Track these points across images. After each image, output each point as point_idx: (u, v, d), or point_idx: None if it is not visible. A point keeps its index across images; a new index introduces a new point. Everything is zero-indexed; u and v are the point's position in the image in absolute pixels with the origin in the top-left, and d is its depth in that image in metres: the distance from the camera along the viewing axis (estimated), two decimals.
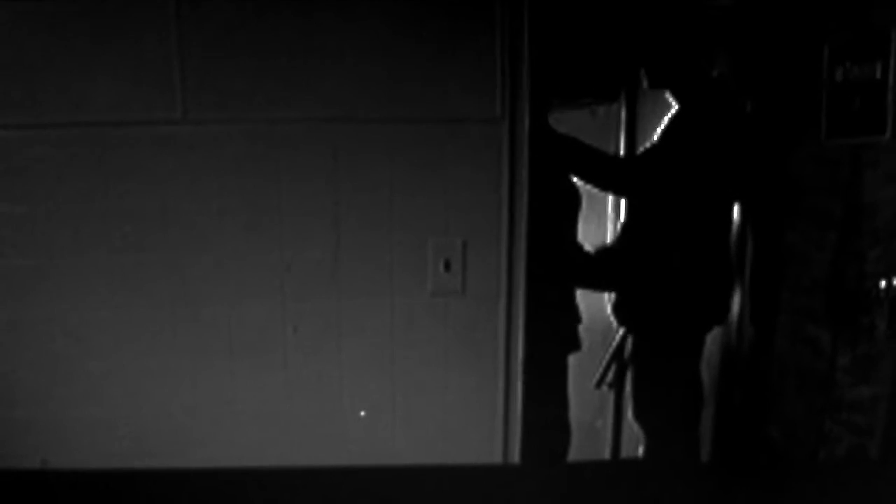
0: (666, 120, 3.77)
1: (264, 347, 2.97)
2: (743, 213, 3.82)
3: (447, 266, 2.91)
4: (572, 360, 3.85)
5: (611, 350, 4.27)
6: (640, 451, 4.07)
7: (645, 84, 3.88)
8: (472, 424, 3.06)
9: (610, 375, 4.37)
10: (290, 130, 2.82)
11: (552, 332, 3.66)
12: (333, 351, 2.98)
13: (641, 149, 4.04)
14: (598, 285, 4.08)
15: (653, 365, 3.94)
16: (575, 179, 3.74)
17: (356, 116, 2.82)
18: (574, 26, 3.69)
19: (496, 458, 3.07)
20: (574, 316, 3.86)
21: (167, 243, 2.88)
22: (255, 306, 2.94)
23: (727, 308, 3.92)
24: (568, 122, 3.86)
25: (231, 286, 2.92)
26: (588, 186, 3.83)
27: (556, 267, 3.61)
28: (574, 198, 3.76)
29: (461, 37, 2.78)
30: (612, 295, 4.00)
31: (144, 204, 2.84)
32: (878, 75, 2.91)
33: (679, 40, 3.69)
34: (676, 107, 3.76)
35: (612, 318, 4.07)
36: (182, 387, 2.98)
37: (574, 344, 3.86)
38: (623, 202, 4.24)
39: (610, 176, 3.87)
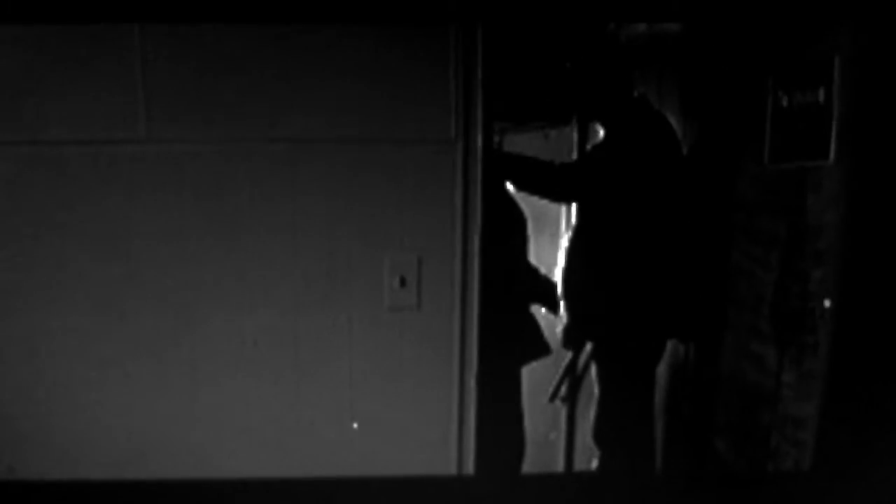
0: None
1: (224, 360, 3.00)
2: (687, 230, 3.88)
3: (403, 282, 2.96)
4: (525, 373, 3.90)
5: (563, 365, 4.32)
6: (594, 465, 4.13)
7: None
8: (427, 436, 3.09)
9: (563, 390, 4.42)
10: (250, 149, 2.86)
11: (519, 342, 3.73)
12: (291, 364, 3.01)
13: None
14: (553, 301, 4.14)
15: (615, 390, 3.99)
16: (519, 198, 3.82)
17: (314, 137, 2.86)
18: (526, 53, 3.76)
19: (451, 469, 3.11)
20: (533, 322, 3.92)
21: (128, 259, 2.91)
22: (215, 320, 2.98)
23: (677, 323, 3.98)
24: (521, 143, 3.93)
25: (191, 300, 2.95)
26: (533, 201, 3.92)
27: (513, 288, 3.69)
28: (521, 222, 3.83)
29: (417, 61, 2.84)
30: (564, 318, 4.05)
31: (107, 221, 2.88)
32: (822, 101, 2.98)
33: (597, 73, 3.79)
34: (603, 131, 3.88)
35: (561, 340, 4.12)
36: (141, 399, 3.00)
37: (544, 348, 3.92)
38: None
39: (546, 181, 3.94)
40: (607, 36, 3.94)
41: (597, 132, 4.08)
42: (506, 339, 3.36)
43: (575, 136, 4.41)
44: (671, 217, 3.79)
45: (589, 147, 3.98)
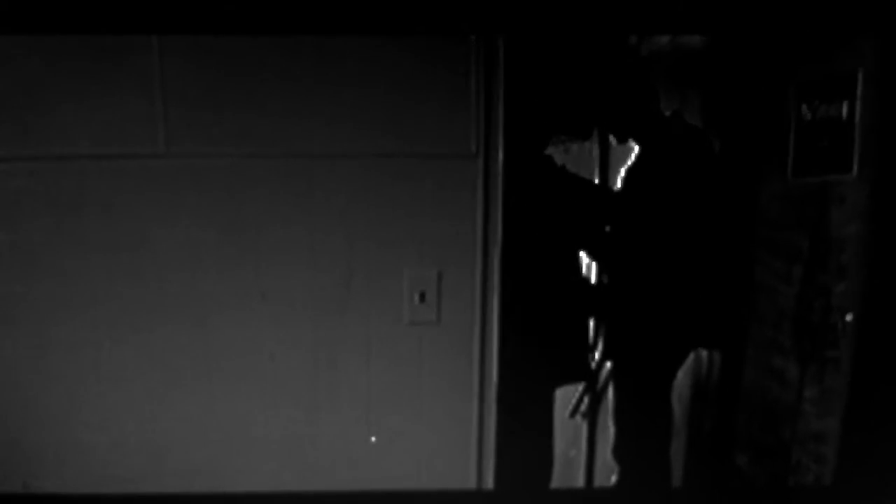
0: (630, 160, 3.88)
1: (242, 375, 2.99)
2: (712, 245, 3.86)
3: (422, 297, 2.95)
4: None
5: None
6: (613, 480, 4.11)
7: (613, 142, 4.00)
8: (446, 452, 3.08)
9: (584, 405, 4.40)
10: (269, 164, 2.87)
11: (559, 363, 3.71)
12: (310, 378, 3.01)
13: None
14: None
15: (634, 406, 3.98)
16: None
17: (333, 152, 2.86)
18: (548, 67, 3.75)
19: (470, 484, 3.10)
20: (585, 345, 3.90)
21: (147, 272, 2.91)
22: (232, 334, 2.97)
23: (700, 335, 3.96)
24: None
25: (209, 314, 2.95)
26: None
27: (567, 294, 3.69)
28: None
29: (438, 74, 2.84)
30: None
31: (125, 236, 2.88)
32: (845, 115, 2.96)
33: (631, 93, 3.78)
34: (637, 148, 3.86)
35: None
36: (156, 412, 3.00)
37: (586, 373, 3.91)
38: None
39: (595, 205, 3.96)
40: (629, 50, 3.93)
41: (618, 147, 4.08)
42: (545, 358, 3.36)
43: (596, 150, 4.41)
44: (699, 230, 3.78)
45: (624, 170, 3.95)
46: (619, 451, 4.05)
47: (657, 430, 3.96)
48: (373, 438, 3.05)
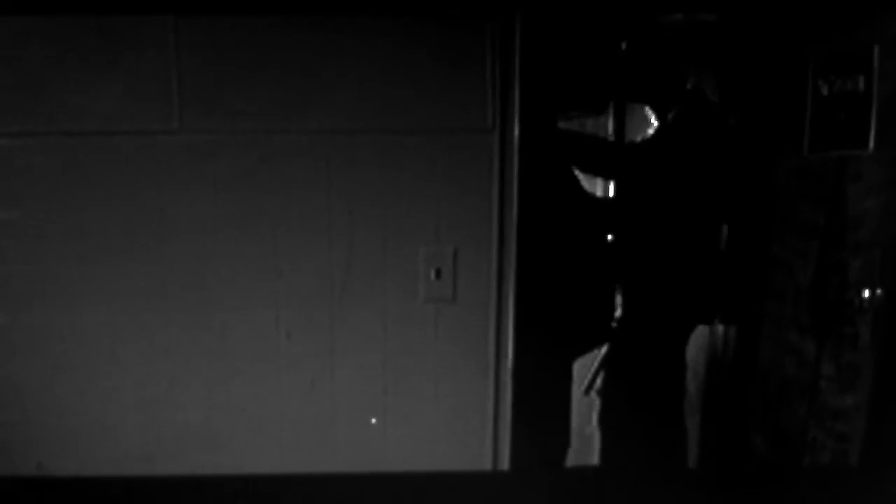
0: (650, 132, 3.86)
1: (258, 354, 2.99)
2: (727, 221, 3.85)
3: (438, 274, 2.95)
4: None
5: (599, 357, 4.29)
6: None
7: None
8: (462, 429, 3.08)
9: (598, 382, 4.39)
10: (284, 141, 2.86)
11: (586, 329, 3.72)
12: (326, 356, 3.00)
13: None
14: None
15: (631, 368, 3.96)
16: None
17: (349, 128, 2.85)
18: (565, 41, 3.75)
19: (486, 462, 3.10)
20: (612, 310, 3.91)
21: (162, 251, 2.91)
22: (249, 313, 2.97)
23: (713, 308, 3.95)
24: None
25: (225, 293, 2.95)
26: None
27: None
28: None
29: (453, 50, 2.82)
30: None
31: (140, 212, 2.88)
32: (862, 90, 2.95)
33: (653, 58, 3.76)
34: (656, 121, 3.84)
35: None
36: (173, 392, 3.01)
37: (607, 337, 3.92)
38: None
39: (609, 164, 3.96)
40: (646, 24, 3.92)
41: (633, 121, 4.07)
42: (568, 326, 3.36)
43: (610, 125, 4.40)
44: (715, 205, 3.77)
45: (641, 141, 3.95)
46: (604, 419, 4.04)
47: (655, 401, 3.94)
48: (373, 420, 3.05)
